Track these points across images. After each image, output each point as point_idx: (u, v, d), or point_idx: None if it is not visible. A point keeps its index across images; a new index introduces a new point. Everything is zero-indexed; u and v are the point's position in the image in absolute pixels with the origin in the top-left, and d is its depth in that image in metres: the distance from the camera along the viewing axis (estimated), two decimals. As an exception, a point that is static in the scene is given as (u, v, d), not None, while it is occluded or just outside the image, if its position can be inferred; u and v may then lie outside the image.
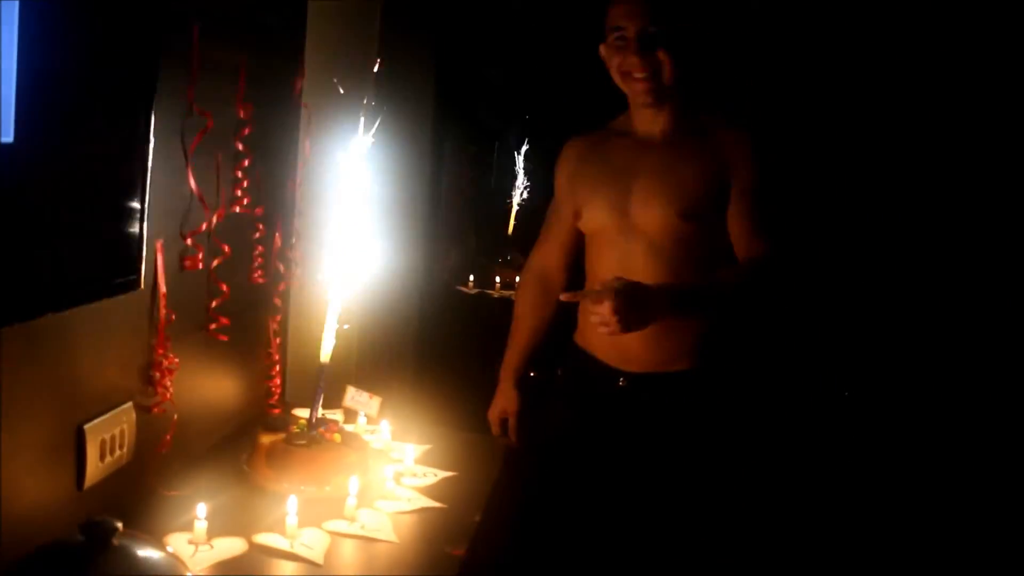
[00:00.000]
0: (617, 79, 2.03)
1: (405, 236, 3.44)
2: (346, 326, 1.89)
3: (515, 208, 5.31)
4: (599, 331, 1.78)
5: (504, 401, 2.30)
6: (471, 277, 4.64)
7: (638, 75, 1.96)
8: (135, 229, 1.50)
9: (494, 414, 2.31)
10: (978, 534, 3.40)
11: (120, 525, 1.21)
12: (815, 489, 3.64)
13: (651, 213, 2.00)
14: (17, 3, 1.15)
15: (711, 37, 2.04)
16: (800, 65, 4.63)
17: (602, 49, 2.05)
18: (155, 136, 1.51)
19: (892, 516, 3.59)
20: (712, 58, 2.08)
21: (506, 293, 4.46)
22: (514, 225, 5.27)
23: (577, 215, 2.15)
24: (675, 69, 1.94)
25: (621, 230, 2.05)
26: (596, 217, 2.10)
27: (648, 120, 2.06)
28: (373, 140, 1.84)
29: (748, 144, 1.99)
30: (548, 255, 2.30)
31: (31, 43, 1.17)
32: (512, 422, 2.28)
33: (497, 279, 4.61)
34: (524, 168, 5.32)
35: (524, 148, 5.32)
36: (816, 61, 4.62)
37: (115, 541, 1.21)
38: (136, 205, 1.49)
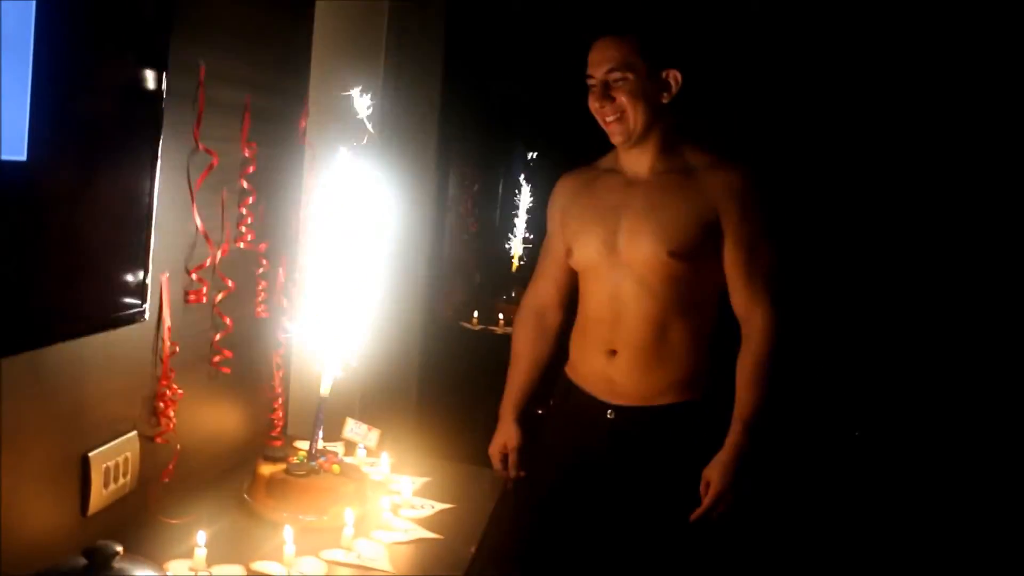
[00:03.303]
0: (599, 121, 2.12)
1: (409, 272, 3.47)
2: (353, 364, 1.92)
3: (519, 245, 5.35)
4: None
5: (504, 436, 2.32)
6: (475, 313, 4.67)
7: (608, 118, 2.07)
8: (141, 262, 1.54)
9: (495, 449, 2.33)
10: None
11: (121, 549, 1.25)
12: (804, 516, 3.64)
13: (639, 250, 2.06)
14: (32, 34, 1.21)
15: (688, 72, 2.11)
16: (793, 85, 4.70)
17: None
18: (161, 172, 1.56)
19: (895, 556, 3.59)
20: (689, 96, 2.14)
21: (509, 330, 4.46)
22: (518, 263, 5.31)
23: (568, 252, 2.21)
24: (637, 112, 2.05)
25: (611, 267, 2.11)
26: (586, 254, 2.15)
27: (633, 159, 2.14)
28: (377, 177, 1.89)
29: (737, 185, 2.07)
30: (543, 292, 2.34)
31: (44, 70, 1.23)
32: (513, 457, 2.30)
33: (501, 316, 4.64)
34: (528, 206, 5.37)
35: (528, 186, 5.37)
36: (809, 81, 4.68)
37: (116, 565, 1.24)
38: (142, 239, 1.53)
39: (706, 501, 2.02)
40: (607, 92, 2.05)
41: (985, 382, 4.48)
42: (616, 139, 2.10)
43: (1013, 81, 4.39)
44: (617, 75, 2.03)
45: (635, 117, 2.05)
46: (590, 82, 2.08)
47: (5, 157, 1.19)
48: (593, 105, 2.09)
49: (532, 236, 5.26)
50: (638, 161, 2.13)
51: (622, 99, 2.04)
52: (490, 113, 4.88)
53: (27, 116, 1.21)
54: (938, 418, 4.47)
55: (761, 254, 2.07)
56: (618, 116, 2.05)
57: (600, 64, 2.06)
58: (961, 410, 4.44)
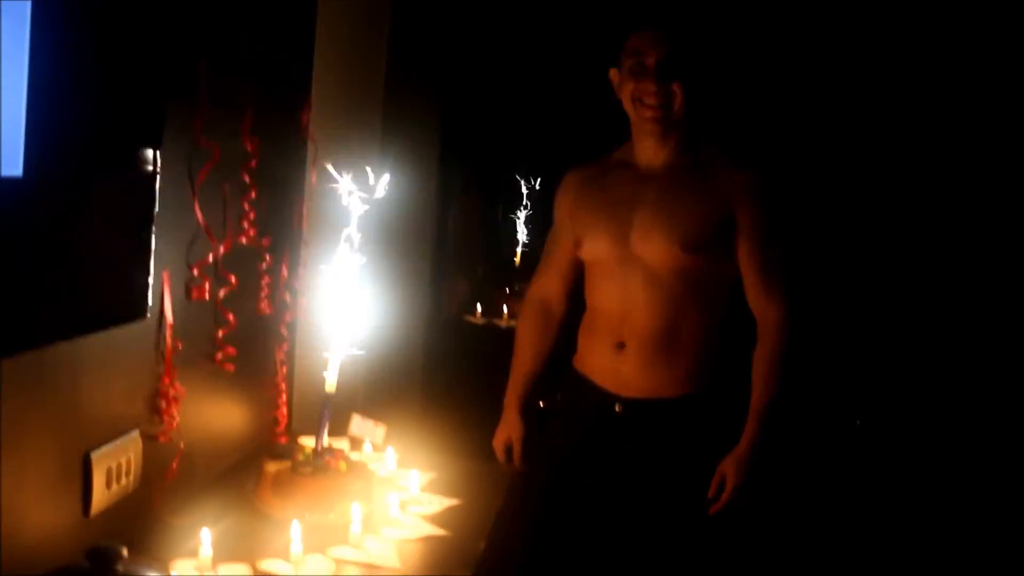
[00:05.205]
0: (627, 105, 2.08)
1: (412, 266, 3.46)
2: (361, 352, 1.89)
3: (522, 238, 5.33)
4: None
5: (508, 429, 2.32)
6: (478, 307, 4.65)
7: (650, 102, 2.02)
8: (142, 259, 1.52)
9: (499, 442, 2.33)
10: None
11: (125, 551, 1.23)
12: (811, 508, 3.64)
13: (652, 244, 2.04)
14: (28, 37, 1.18)
15: (721, 75, 2.09)
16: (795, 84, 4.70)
17: (614, 73, 2.11)
18: (162, 168, 1.54)
19: (899, 549, 3.58)
20: (718, 94, 2.13)
21: (513, 323, 4.43)
22: (521, 255, 5.29)
23: (577, 244, 2.18)
24: (686, 100, 2.01)
25: (622, 260, 2.09)
26: (597, 247, 2.13)
27: (651, 151, 2.11)
28: (381, 172, 1.86)
29: (753, 184, 2.05)
30: (548, 284, 2.33)
31: (39, 78, 1.20)
32: (517, 449, 2.29)
33: (504, 309, 4.62)
34: (530, 198, 5.35)
35: (531, 178, 5.35)
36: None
37: (120, 567, 1.23)
38: (144, 236, 1.51)
39: (723, 496, 2.00)
40: (662, 75, 2.00)
41: (985, 372, 4.49)
42: (648, 125, 2.06)
43: (1014, 80, 4.39)
44: (676, 61, 2.00)
45: (681, 104, 2.01)
46: (636, 61, 2.03)
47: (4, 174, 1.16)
48: (640, 86, 2.03)
49: (535, 229, 5.24)
50: (657, 154, 2.10)
51: (675, 85, 2.00)
52: (495, 102, 4.87)
53: (23, 129, 1.18)
54: (939, 407, 4.48)
55: (776, 252, 2.05)
56: (662, 101, 2.01)
57: (656, 45, 2.00)
58: (961, 399, 4.45)
